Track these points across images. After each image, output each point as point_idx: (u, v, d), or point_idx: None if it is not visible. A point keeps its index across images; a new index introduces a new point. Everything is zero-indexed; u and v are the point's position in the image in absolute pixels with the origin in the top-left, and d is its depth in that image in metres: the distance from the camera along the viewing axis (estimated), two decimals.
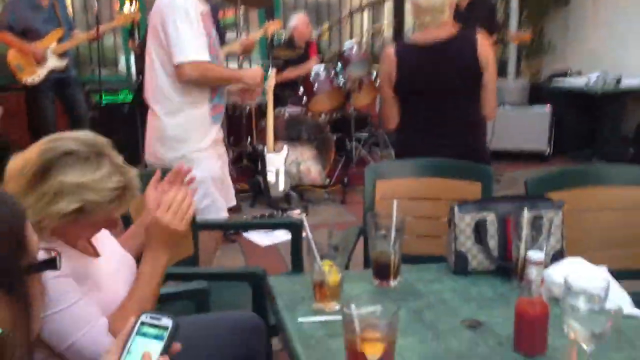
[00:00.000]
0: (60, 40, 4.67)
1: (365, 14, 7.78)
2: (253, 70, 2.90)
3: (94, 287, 1.35)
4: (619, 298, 1.42)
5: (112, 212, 1.33)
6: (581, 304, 1.17)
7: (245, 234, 4.22)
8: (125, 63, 6.72)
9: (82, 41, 4.90)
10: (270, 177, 4.78)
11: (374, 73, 5.20)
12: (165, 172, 1.64)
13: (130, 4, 6.27)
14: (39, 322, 0.86)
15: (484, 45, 2.50)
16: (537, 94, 6.30)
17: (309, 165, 5.05)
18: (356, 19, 7.64)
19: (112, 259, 1.48)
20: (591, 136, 5.88)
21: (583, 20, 6.59)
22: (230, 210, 3.00)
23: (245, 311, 1.89)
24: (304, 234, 2.13)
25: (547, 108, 5.84)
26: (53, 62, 4.65)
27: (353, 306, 1.06)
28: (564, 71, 6.26)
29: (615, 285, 1.45)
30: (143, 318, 1.01)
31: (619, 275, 1.54)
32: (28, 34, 4.57)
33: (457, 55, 2.50)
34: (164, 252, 1.45)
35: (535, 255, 1.23)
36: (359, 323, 1.05)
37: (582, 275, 1.27)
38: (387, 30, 7.20)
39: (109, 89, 5.85)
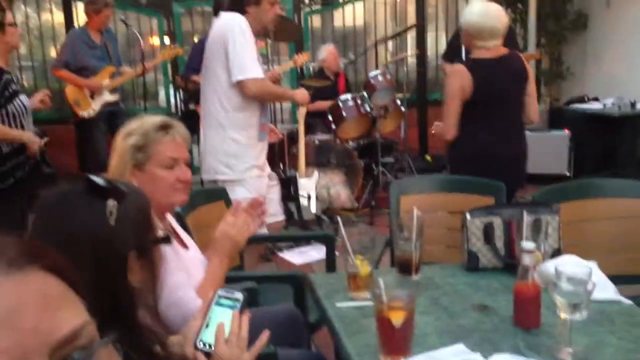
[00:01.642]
0: (112, 76, 5.12)
1: (390, 44, 8.14)
2: (302, 91, 3.29)
3: (185, 271, 1.70)
4: (603, 285, 1.70)
5: (164, 145, 1.73)
6: (565, 283, 1.45)
7: (280, 254, 4.53)
8: (165, 95, 7.18)
9: (132, 76, 5.34)
10: (303, 201, 5.10)
11: (398, 100, 5.54)
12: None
13: (171, 40, 6.77)
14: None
15: (525, 61, 3.11)
16: (556, 118, 6.56)
17: (339, 189, 5.37)
18: (381, 49, 8.01)
19: (197, 254, 1.84)
20: (610, 159, 6.10)
21: (600, 47, 6.88)
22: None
23: (288, 305, 2.19)
24: (337, 239, 2.43)
25: (566, 132, 6.08)
26: (106, 97, 5.09)
27: (381, 280, 1.37)
28: (581, 97, 6.52)
29: (600, 275, 1.73)
30: (220, 292, 1.33)
31: (618, 280, 1.81)
32: (83, 70, 5.03)
33: (516, 67, 3.04)
34: (227, 257, 1.83)
35: (527, 244, 1.53)
36: (386, 294, 1.36)
37: (570, 265, 1.56)
38: (411, 59, 7.54)
39: None
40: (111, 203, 1.04)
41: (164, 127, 1.75)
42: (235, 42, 2.92)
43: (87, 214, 1.03)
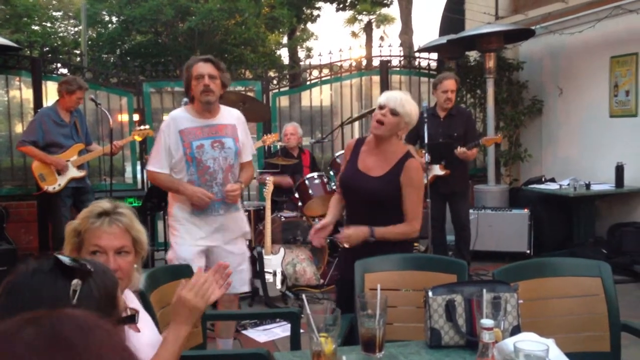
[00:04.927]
0: (80, 153, 5.15)
1: (356, 124, 8.39)
2: (193, 189, 3.29)
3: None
4: None
5: (93, 232, 1.77)
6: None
7: (244, 331, 4.47)
8: (132, 172, 7.19)
9: (100, 154, 5.38)
10: (268, 278, 5.08)
11: None
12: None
13: (140, 118, 6.86)
14: None
15: None
16: (516, 198, 6.77)
17: (304, 266, 5.38)
18: (347, 129, 8.24)
19: (151, 336, 1.81)
20: (567, 237, 6.28)
21: (555, 131, 7.23)
22: None
23: None
24: (302, 316, 2.44)
25: (526, 211, 6.26)
26: (73, 173, 5.10)
27: (345, 357, 1.38)
28: (539, 177, 6.77)
29: (558, 352, 1.77)
30: None
31: (576, 357, 1.86)
32: (52, 147, 5.05)
33: None
34: (186, 325, 1.77)
35: (487, 322, 1.57)
36: None
37: (528, 342, 1.61)
38: None
39: (117, 196, 6.28)
40: (75, 282, 1.06)
41: (102, 214, 1.79)
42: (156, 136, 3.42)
43: (50, 291, 1.06)
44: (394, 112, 2.81)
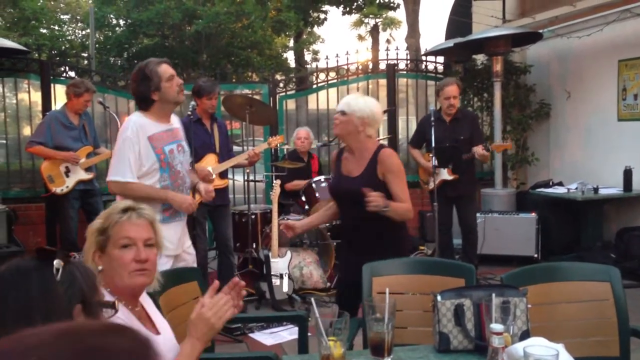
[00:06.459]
0: (88, 155, 5.18)
1: None
2: (183, 196, 3.22)
3: None
4: None
5: (121, 226, 1.78)
6: None
7: (251, 334, 4.47)
8: None
9: (108, 157, 5.39)
10: (275, 281, 5.08)
11: None
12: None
13: None
14: None
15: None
16: (523, 201, 6.75)
17: (311, 269, 5.38)
18: None
19: (169, 338, 1.82)
20: (575, 242, 6.25)
21: (562, 135, 7.20)
22: None
23: None
24: (310, 319, 2.44)
25: (533, 215, 6.23)
26: (81, 175, 5.12)
27: None
28: (547, 181, 6.75)
29: (568, 357, 1.76)
30: None
31: None
32: (60, 150, 5.07)
33: None
34: (201, 341, 1.79)
35: (496, 326, 1.57)
36: None
37: (538, 347, 1.61)
38: (383, 142, 7.75)
39: None
40: (56, 261, 1.13)
41: (125, 210, 1.82)
42: (116, 145, 3.15)
43: (36, 279, 1.12)
44: (342, 113, 3.08)
